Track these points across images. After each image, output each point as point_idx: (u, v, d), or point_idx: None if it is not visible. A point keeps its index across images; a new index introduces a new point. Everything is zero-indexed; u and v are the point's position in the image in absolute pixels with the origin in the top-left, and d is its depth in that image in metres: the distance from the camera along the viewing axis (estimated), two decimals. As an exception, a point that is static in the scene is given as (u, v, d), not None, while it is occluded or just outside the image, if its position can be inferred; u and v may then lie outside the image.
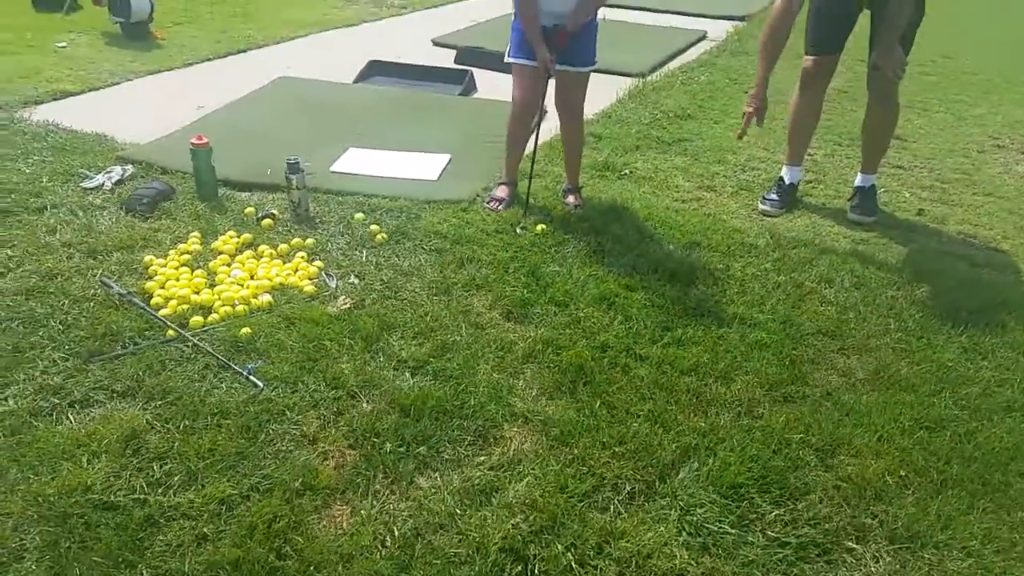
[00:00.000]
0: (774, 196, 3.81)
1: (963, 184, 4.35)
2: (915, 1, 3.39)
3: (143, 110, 4.68)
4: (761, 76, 3.44)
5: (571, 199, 3.76)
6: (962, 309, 3.03)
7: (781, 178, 3.88)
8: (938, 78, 6.51)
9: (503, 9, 8.07)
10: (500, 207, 3.64)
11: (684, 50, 6.97)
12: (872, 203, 3.83)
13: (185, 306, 2.79)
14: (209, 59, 5.83)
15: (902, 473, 2.24)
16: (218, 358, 2.51)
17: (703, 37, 7.48)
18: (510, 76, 5.76)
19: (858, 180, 3.91)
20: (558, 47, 3.38)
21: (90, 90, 4.96)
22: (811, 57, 3.65)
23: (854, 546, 2.02)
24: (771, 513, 2.09)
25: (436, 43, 6.63)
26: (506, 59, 3.57)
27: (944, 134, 5.16)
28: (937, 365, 2.69)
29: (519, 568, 1.91)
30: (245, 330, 2.63)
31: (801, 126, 3.88)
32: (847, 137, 4.87)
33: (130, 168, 3.78)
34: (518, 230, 3.45)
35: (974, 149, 4.93)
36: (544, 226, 3.46)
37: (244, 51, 6.07)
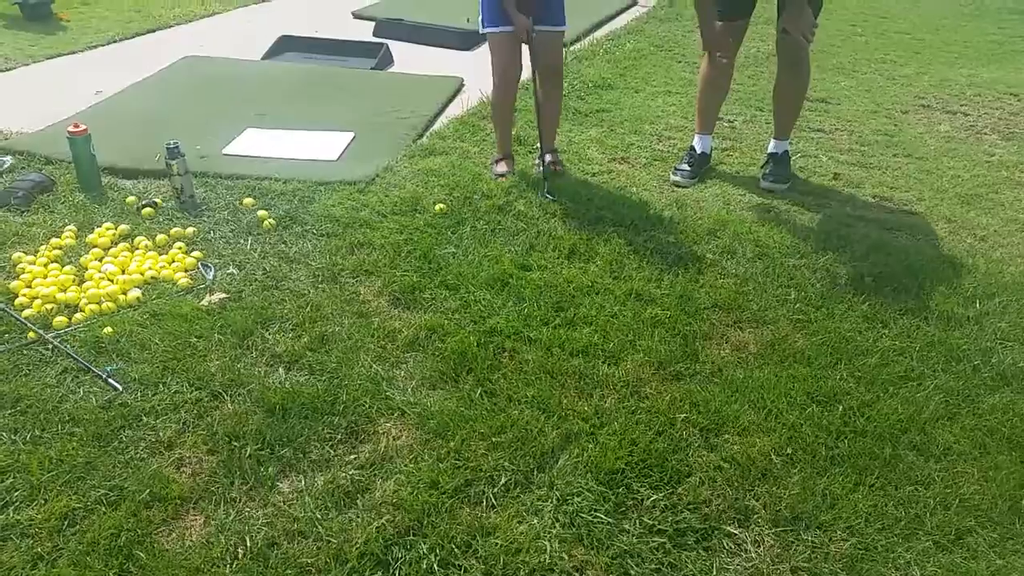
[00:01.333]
0: (685, 166, 3.70)
1: (883, 146, 4.29)
2: None
3: (35, 97, 4.45)
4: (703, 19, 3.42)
5: (549, 157, 3.72)
6: (867, 276, 2.96)
7: (692, 147, 3.78)
8: (868, 38, 6.44)
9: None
10: (506, 178, 3.62)
11: (613, 17, 6.83)
12: (786, 170, 3.74)
13: (50, 305, 2.62)
14: (115, 40, 5.57)
15: (789, 451, 2.16)
16: (77, 360, 2.36)
17: (634, 3, 7.35)
18: (427, 48, 5.67)
19: (771, 147, 3.82)
20: (530, 10, 3.32)
21: (-20, 77, 4.71)
22: (718, 22, 3.53)
23: (734, 531, 1.94)
24: (649, 499, 2.00)
25: (356, 16, 6.41)
26: (481, 30, 3.51)
27: (870, 95, 5.09)
28: (835, 336, 2.61)
29: (380, 573, 1.80)
30: (107, 329, 2.48)
31: (711, 94, 3.77)
32: (768, 102, 4.76)
33: (8, 159, 3.58)
34: (546, 195, 3.42)
35: (898, 110, 4.87)
36: (443, 206, 3.32)
37: (154, 31, 5.82)
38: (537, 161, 3.77)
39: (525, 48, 3.48)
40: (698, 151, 3.75)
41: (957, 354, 2.57)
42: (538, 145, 3.76)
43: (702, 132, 3.79)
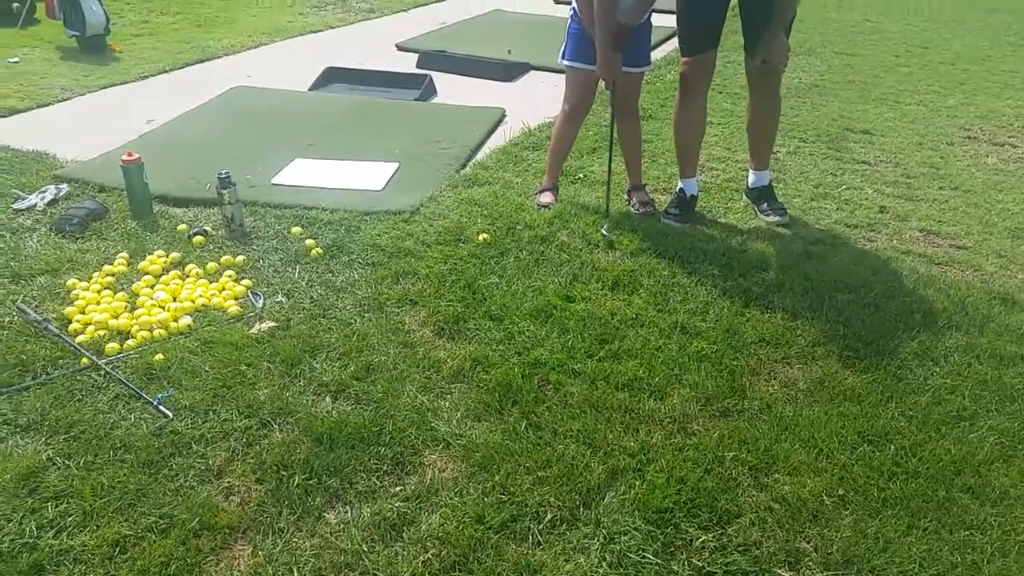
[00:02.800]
0: (676, 210, 3.64)
1: (929, 178, 4.23)
2: None
3: (90, 126, 4.57)
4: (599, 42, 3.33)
5: (635, 198, 3.78)
6: (916, 311, 2.91)
7: (681, 190, 3.70)
8: (912, 68, 6.38)
9: (470, 11, 7.99)
10: (549, 209, 3.66)
11: (655, 47, 6.84)
12: (778, 200, 3.71)
13: (103, 332, 2.67)
14: (166, 71, 5.71)
15: (840, 492, 2.12)
16: (129, 387, 2.40)
17: (674, 34, 7.36)
18: (470, 79, 5.74)
19: (754, 180, 3.77)
20: (619, 49, 3.36)
21: (38, 106, 4.85)
22: (685, 59, 3.49)
23: (785, 574, 1.91)
24: (698, 539, 1.97)
25: (400, 48, 6.51)
26: (560, 61, 3.60)
27: (914, 126, 5.04)
28: (885, 373, 2.57)
29: (426, 609, 1.80)
30: (159, 356, 2.52)
31: (690, 134, 3.66)
32: (812, 133, 4.75)
33: (65, 187, 3.67)
34: (603, 232, 3.40)
35: (944, 142, 4.81)
36: (486, 236, 3.34)
37: (203, 61, 5.96)
38: (626, 198, 3.84)
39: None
40: (687, 194, 3.68)
41: (1011, 394, 2.51)
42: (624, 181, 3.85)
43: (685, 176, 3.70)
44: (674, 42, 7.12)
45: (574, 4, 3.47)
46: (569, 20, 3.52)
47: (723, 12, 3.41)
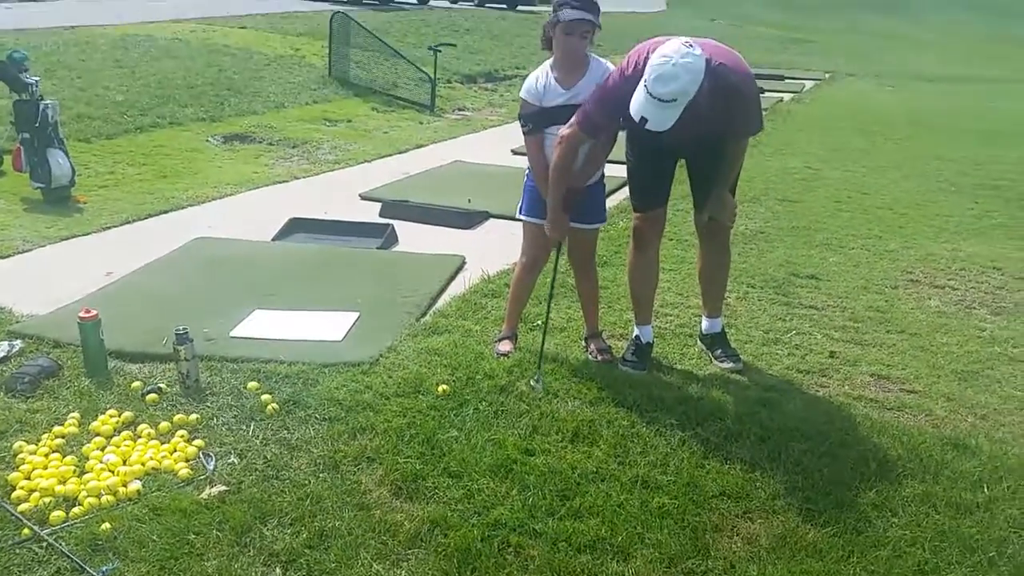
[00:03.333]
0: (633, 357, 3.72)
1: (876, 322, 4.37)
2: (745, 153, 3.47)
3: (49, 279, 4.56)
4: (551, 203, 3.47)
5: (593, 346, 3.83)
6: (872, 460, 2.94)
7: (637, 337, 3.79)
8: (853, 213, 6.70)
9: (433, 162, 8.30)
10: (508, 357, 3.69)
11: (609, 194, 7.12)
12: (731, 346, 3.82)
13: (48, 498, 2.58)
14: (129, 222, 5.77)
15: (808, 656, 2.07)
16: (72, 559, 2.30)
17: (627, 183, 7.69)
18: (431, 227, 5.89)
19: (707, 326, 3.87)
20: (569, 210, 3.49)
21: (-2, 259, 4.86)
22: (638, 215, 3.66)
23: None
24: None
25: (363, 197, 6.70)
26: (518, 215, 3.75)
27: (859, 270, 5.24)
28: (845, 526, 2.57)
29: None
30: (105, 525, 2.43)
31: (644, 283, 3.79)
32: (760, 278, 4.92)
33: (18, 344, 3.63)
34: (532, 383, 3.41)
35: (888, 285, 5.00)
36: (446, 387, 3.35)
37: (166, 212, 6.04)
38: (583, 345, 3.90)
39: None
40: (643, 341, 3.78)
41: (971, 544, 2.52)
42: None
43: (641, 323, 3.80)
44: (626, 191, 7.45)
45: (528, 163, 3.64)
46: (526, 177, 3.69)
47: (671, 172, 3.60)
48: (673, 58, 2.85)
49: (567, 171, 3.40)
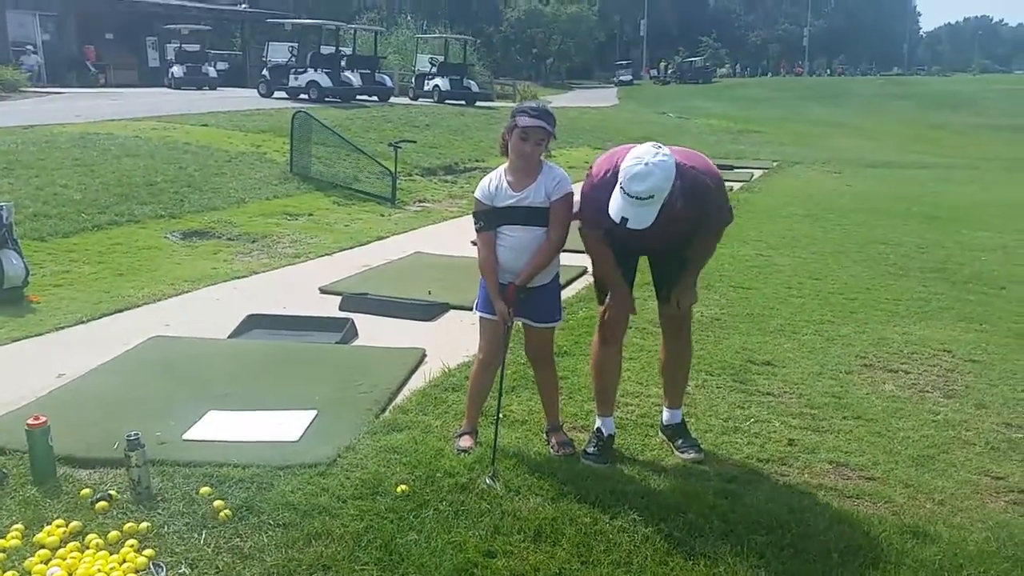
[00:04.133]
0: (594, 450, 3.72)
1: (833, 408, 4.43)
2: (716, 242, 3.61)
3: (-3, 382, 4.46)
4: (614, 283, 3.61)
5: (554, 439, 3.82)
6: (833, 551, 2.94)
7: (599, 429, 3.80)
8: (805, 299, 6.86)
9: (394, 253, 8.37)
10: (469, 453, 3.67)
11: (566, 285, 7.22)
12: (691, 436, 3.85)
13: (-16, 620, 2.46)
14: (83, 321, 5.69)
15: None
16: None
17: (584, 271, 7.82)
18: (391, 320, 5.90)
19: (668, 417, 3.91)
20: (514, 302, 3.57)
21: (-56, 363, 4.74)
22: (605, 308, 3.74)
23: None
24: None
25: (323, 291, 6.70)
26: (474, 311, 3.81)
27: (813, 356, 5.34)
28: (810, 623, 2.54)
29: None
30: (46, 648, 2.31)
31: (609, 376, 3.84)
32: (717, 366, 4.98)
33: (-39, 452, 3.51)
34: (487, 480, 3.37)
35: (842, 370, 5.08)
36: (405, 487, 3.30)
37: (121, 311, 5.97)
38: (545, 438, 3.90)
39: None
40: (605, 433, 3.79)
41: (936, 635, 2.50)
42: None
43: (603, 415, 3.83)
44: (585, 279, 7.54)
45: None
46: (480, 277, 3.74)
47: (634, 270, 3.72)
48: (645, 158, 3.05)
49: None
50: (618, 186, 3.11)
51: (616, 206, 3.12)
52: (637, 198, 3.03)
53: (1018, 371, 5.13)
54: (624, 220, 3.08)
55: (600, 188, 3.27)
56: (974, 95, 45.23)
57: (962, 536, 3.09)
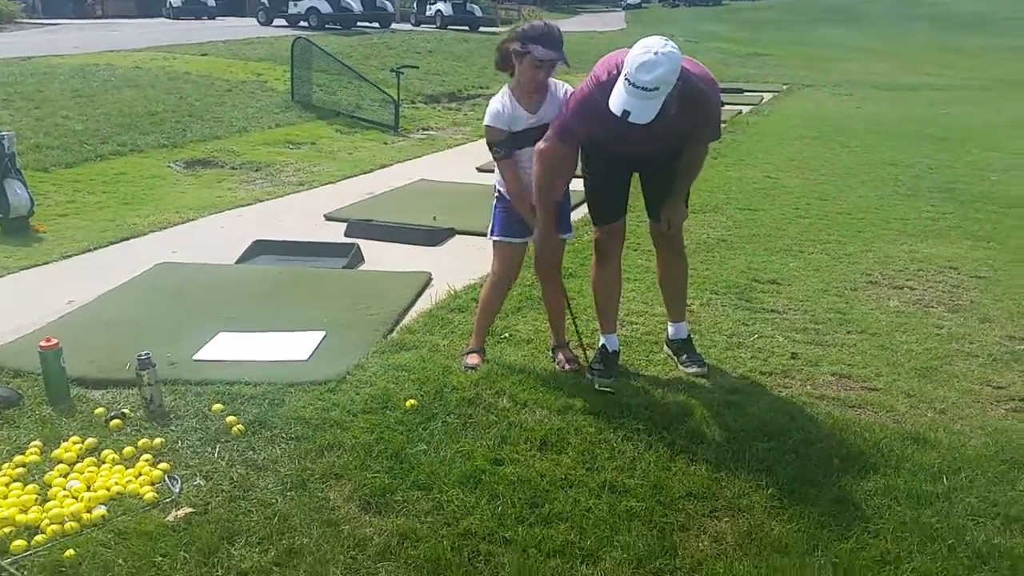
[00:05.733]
0: (600, 366, 3.76)
1: (836, 323, 4.45)
2: (704, 156, 3.56)
3: (8, 309, 4.50)
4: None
5: (561, 355, 3.88)
6: (835, 456, 3.00)
7: (604, 346, 3.84)
8: (812, 219, 6.82)
9: (398, 181, 8.33)
10: (476, 370, 3.73)
11: (574, 207, 7.19)
12: (696, 351, 3.88)
13: (9, 528, 2.54)
14: (90, 249, 5.71)
15: (775, 650, 2.10)
16: (34, 587, 2.27)
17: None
18: (397, 246, 5.90)
19: (672, 332, 3.93)
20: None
21: (-46, 292, 4.78)
22: (599, 228, 3.73)
23: None
24: None
25: (328, 218, 6.69)
26: (490, 237, 3.78)
27: (819, 274, 5.33)
28: (809, 521, 2.61)
29: None
30: (69, 552, 2.40)
31: (608, 294, 3.86)
32: (723, 285, 4.99)
33: (-23, 374, 3.58)
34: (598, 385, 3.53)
35: (847, 287, 5.09)
36: (414, 401, 3.35)
37: (128, 239, 5.99)
38: (551, 356, 3.95)
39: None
40: (610, 350, 3.83)
41: (931, 534, 2.57)
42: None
43: (606, 332, 3.86)
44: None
45: (498, 187, 3.68)
46: (495, 199, 3.72)
47: (627, 185, 3.67)
48: (654, 48, 2.95)
49: (551, 184, 3.46)
50: (622, 77, 2.99)
51: (619, 98, 3.01)
52: (644, 89, 2.93)
53: (1024, 286, 5.13)
54: (626, 114, 3.00)
55: (607, 92, 3.12)
56: (992, 15, 44.02)
57: (961, 442, 3.14)
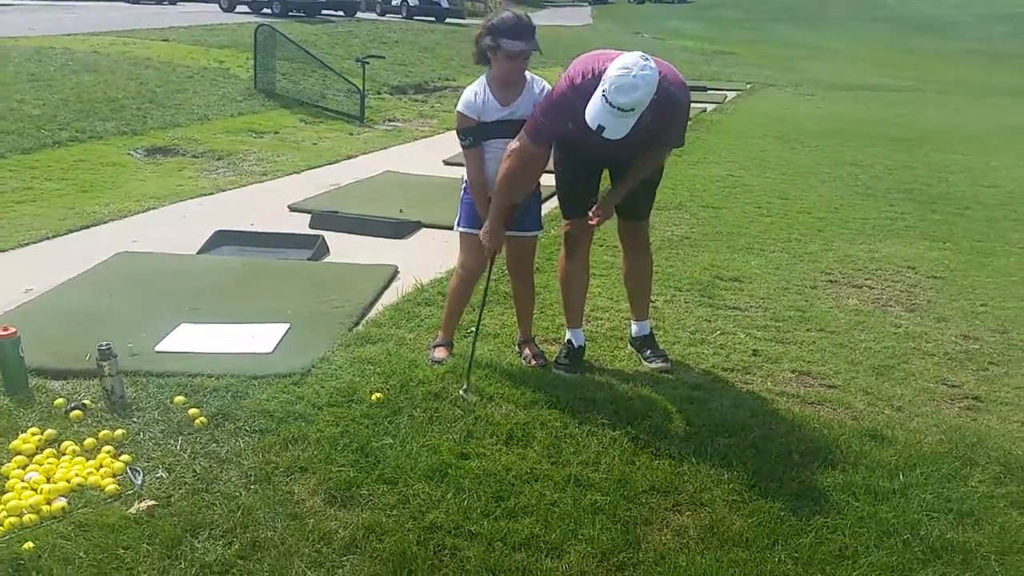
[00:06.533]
0: (565, 360, 3.80)
1: (797, 321, 4.53)
2: (663, 159, 3.59)
3: (-39, 297, 4.39)
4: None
5: (527, 351, 3.89)
6: (794, 452, 3.06)
7: (569, 341, 3.88)
8: (773, 218, 6.93)
9: (364, 173, 8.27)
10: (443, 364, 3.72)
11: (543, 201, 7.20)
12: (659, 347, 3.93)
13: (-36, 521, 2.49)
14: (48, 238, 5.59)
15: (736, 641, 2.14)
16: (-10, 582, 2.23)
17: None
18: (362, 238, 5.87)
19: (636, 329, 3.98)
20: (506, 222, 3.57)
21: (-95, 279, 4.65)
22: (568, 221, 3.76)
23: None
24: None
25: (292, 209, 6.63)
26: (456, 229, 3.77)
27: (779, 272, 5.42)
28: (769, 516, 2.66)
29: None
30: (28, 544, 2.36)
31: (575, 288, 3.89)
32: (686, 282, 5.05)
33: (-71, 364, 3.48)
34: (461, 392, 3.41)
35: (807, 286, 5.18)
36: (379, 395, 3.35)
37: (87, 227, 5.87)
38: (517, 350, 3.95)
39: None
40: (575, 344, 3.87)
41: (887, 528, 2.64)
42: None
43: (572, 326, 3.90)
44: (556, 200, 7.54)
45: (465, 178, 3.67)
46: (462, 190, 3.72)
47: (597, 179, 3.69)
48: (633, 70, 2.97)
49: (515, 182, 3.46)
50: (600, 93, 3.03)
51: (595, 113, 3.05)
52: (620, 109, 2.98)
53: (978, 287, 5.27)
54: (600, 128, 3.04)
55: (582, 94, 3.15)
56: (950, 18, 44.96)
57: (917, 439, 3.22)
